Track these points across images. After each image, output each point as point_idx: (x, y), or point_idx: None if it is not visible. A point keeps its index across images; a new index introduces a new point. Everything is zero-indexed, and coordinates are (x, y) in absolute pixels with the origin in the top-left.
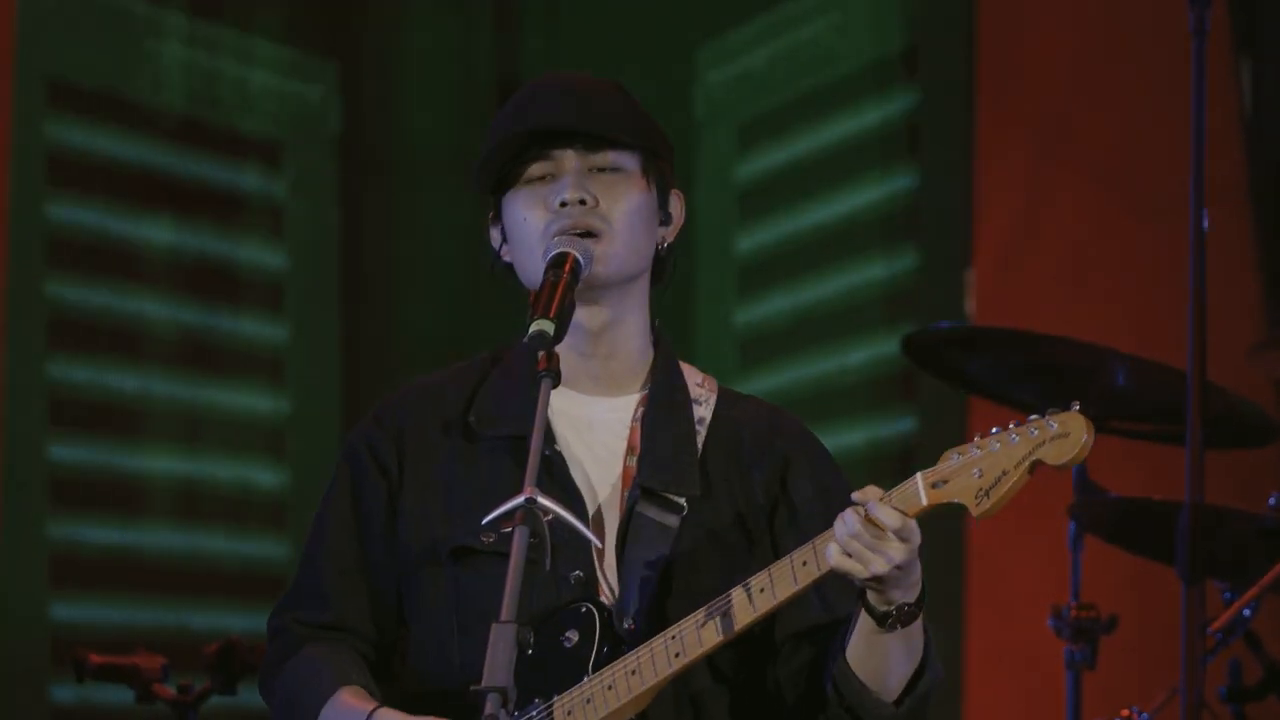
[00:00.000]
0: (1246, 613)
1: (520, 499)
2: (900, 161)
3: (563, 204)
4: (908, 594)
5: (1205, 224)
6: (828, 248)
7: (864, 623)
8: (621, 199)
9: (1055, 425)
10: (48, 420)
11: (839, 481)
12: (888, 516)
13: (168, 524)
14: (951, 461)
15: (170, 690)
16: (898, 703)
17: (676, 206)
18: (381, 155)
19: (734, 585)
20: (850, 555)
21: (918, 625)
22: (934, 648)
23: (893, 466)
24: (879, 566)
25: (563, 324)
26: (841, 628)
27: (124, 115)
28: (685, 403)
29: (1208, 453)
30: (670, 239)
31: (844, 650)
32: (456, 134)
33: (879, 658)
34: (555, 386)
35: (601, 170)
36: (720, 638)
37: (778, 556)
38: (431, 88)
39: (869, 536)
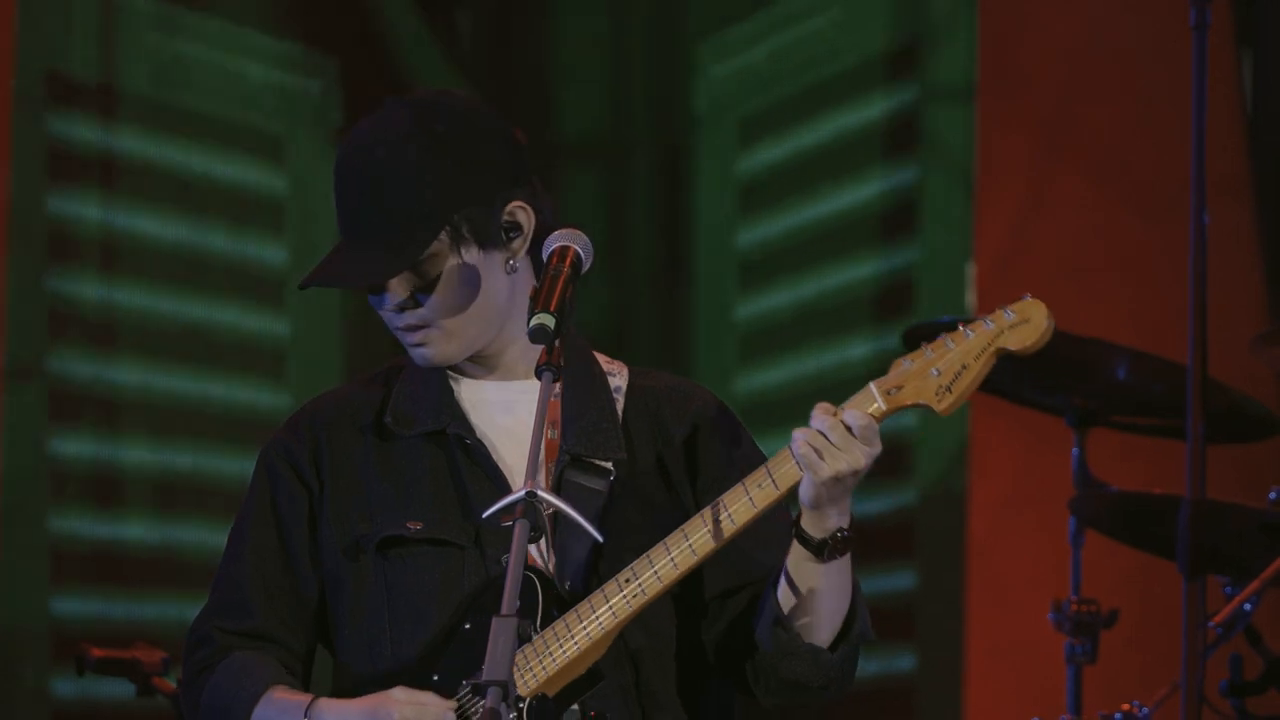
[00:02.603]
0: (1247, 607)
1: (521, 492)
2: (901, 156)
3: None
4: (842, 518)
5: (1206, 218)
6: (829, 242)
7: (797, 556)
8: (441, 293)
9: (1013, 314)
10: (48, 414)
11: (753, 448)
12: (853, 417)
13: (168, 518)
14: (904, 367)
15: (171, 684)
16: (832, 648)
17: (519, 216)
18: None
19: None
20: (815, 450)
21: (847, 566)
22: (863, 604)
23: (894, 458)
24: (841, 465)
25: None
26: (769, 579)
27: (125, 109)
28: (601, 375)
29: (1209, 447)
30: (523, 249)
31: (774, 597)
32: None
33: (811, 597)
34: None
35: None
36: (678, 572)
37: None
38: (432, 85)
39: (837, 435)
